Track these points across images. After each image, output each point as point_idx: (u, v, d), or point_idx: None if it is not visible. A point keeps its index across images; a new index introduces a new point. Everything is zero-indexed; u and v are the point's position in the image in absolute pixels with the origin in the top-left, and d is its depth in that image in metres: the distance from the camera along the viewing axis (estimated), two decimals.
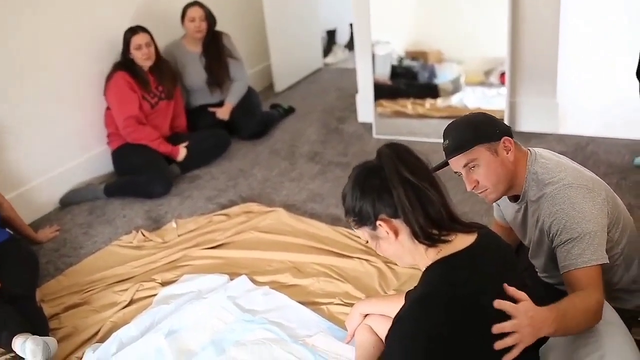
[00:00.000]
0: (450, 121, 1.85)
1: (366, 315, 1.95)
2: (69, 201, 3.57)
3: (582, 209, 1.68)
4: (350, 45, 5.92)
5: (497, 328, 1.32)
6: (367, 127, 4.22)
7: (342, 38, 6.36)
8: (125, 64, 3.71)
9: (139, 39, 3.66)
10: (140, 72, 3.72)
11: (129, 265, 2.85)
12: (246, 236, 2.97)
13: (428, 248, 1.44)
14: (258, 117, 4.34)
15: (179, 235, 3.07)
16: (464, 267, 1.41)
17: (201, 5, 4.08)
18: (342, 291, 2.50)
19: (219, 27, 4.22)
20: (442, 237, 1.43)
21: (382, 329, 1.80)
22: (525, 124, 3.91)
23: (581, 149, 3.55)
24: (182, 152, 3.82)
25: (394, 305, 1.59)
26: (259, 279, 2.65)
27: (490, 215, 2.40)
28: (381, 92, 4.11)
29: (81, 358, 2.26)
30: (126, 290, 2.65)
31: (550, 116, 3.84)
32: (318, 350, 2.15)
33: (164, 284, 2.68)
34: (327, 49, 6.19)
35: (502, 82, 3.82)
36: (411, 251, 1.47)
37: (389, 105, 4.14)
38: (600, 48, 4.50)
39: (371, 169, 1.47)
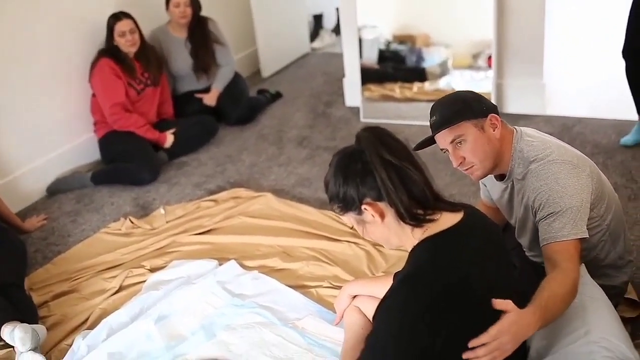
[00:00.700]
0: None
1: (355, 297, 1.96)
2: (56, 189, 3.55)
3: (565, 184, 1.70)
4: (337, 30, 5.90)
5: (473, 343, 1.34)
6: (355, 111, 4.21)
7: (329, 22, 6.33)
8: (109, 50, 3.66)
9: (122, 26, 3.61)
10: (125, 58, 3.68)
11: (118, 252, 2.84)
12: (235, 221, 2.97)
13: (414, 228, 1.45)
14: (245, 103, 4.32)
15: (167, 222, 3.06)
16: (450, 246, 1.41)
17: None
18: (331, 274, 2.51)
19: (204, 13, 4.18)
20: (428, 217, 1.43)
21: (371, 310, 1.80)
22: (513, 105, 3.92)
23: (568, 130, 3.56)
24: (169, 138, 3.80)
25: (383, 286, 1.60)
26: (248, 263, 2.65)
27: (477, 197, 2.41)
28: (369, 76, 4.10)
29: (71, 345, 2.25)
30: (115, 277, 2.64)
31: (537, 97, 3.85)
32: (307, 333, 2.16)
33: (153, 270, 2.67)
34: (314, 34, 6.16)
35: (490, 66, 3.82)
36: (397, 233, 1.47)
37: (376, 89, 4.14)
38: (586, 28, 4.51)
39: (351, 154, 1.47)
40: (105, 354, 2.14)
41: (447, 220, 1.44)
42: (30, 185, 3.49)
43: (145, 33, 3.84)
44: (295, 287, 2.44)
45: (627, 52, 3.10)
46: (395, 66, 4.13)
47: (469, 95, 1.82)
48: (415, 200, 1.42)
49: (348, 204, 1.47)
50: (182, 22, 4.07)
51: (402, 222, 1.44)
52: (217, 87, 4.23)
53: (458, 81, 3.99)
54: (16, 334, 2.14)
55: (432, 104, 1.84)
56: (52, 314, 2.47)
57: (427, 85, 4.07)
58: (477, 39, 3.88)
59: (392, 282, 1.50)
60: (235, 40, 4.82)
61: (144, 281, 2.59)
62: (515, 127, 1.87)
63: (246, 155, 3.79)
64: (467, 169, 1.82)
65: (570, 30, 4.49)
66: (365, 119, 4.08)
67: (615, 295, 1.95)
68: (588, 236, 1.71)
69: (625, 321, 1.94)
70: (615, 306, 1.85)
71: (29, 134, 3.49)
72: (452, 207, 1.47)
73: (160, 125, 3.88)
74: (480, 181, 2.10)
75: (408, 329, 1.35)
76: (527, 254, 2.03)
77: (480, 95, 1.84)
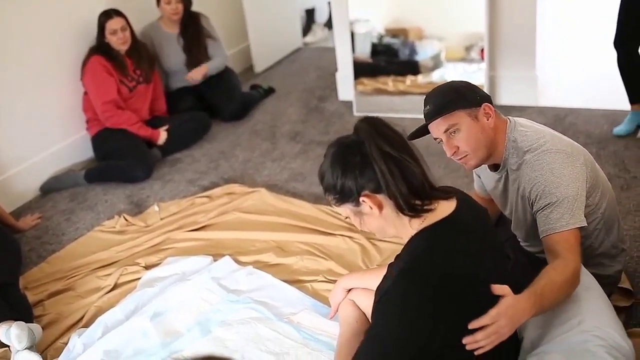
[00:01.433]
0: None
1: (349, 290, 1.96)
2: (49, 188, 3.54)
3: (560, 174, 1.70)
4: (329, 24, 5.89)
5: (473, 324, 1.35)
6: (348, 105, 4.21)
7: (321, 17, 6.31)
8: (100, 47, 3.65)
9: (113, 24, 3.60)
10: (117, 56, 3.67)
11: (112, 250, 2.83)
12: (229, 217, 2.97)
13: (412, 219, 1.45)
14: (238, 99, 4.30)
15: (161, 219, 3.05)
16: (448, 236, 1.42)
17: None
18: (326, 268, 2.51)
19: (195, 8, 4.17)
20: (425, 207, 1.43)
21: (366, 303, 1.81)
22: (505, 97, 3.92)
23: (560, 120, 3.57)
24: (162, 135, 3.78)
25: (377, 279, 1.59)
26: (243, 259, 2.65)
27: (470, 189, 2.41)
28: (361, 70, 4.09)
29: (67, 343, 2.25)
30: (110, 274, 2.64)
31: (529, 89, 3.85)
32: (303, 327, 2.16)
33: (147, 267, 2.67)
34: (306, 28, 6.15)
35: (483, 58, 3.82)
36: (395, 224, 1.47)
37: (369, 83, 4.13)
38: (578, 20, 4.52)
39: (349, 145, 1.45)
40: (101, 352, 2.13)
41: (443, 209, 1.44)
42: (24, 184, 3.48)
43: (136, 29, 3.83)
44: (290, 282, 2.44)
45: (618, 43, 3.12)
46: (388, 60, 4.13)
47: (462, 84, 1.82)
48: (414, 191, 1.42)
49: (345, 196, 1.46)
50: (174, 19, 4.06)
51: (400, 214, 1.44)
52: (207, 66, 4.14)
53: (451, 74, 3.99)
54: (12, 332, 2.14)
55: (424, 97, 1.84)
56: (48, 313, 2.46)
57: (420, 79, 4.06)
58: (469, 31, 3.88)
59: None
60: (228, 36, 4.81)
61: (139, 278, 2.58)
62: (509, 117, 1.87)
63: (239, 151, 3.79)
64: (460, 159, 1.82)
65: (562, 21, 4.50)
66: (358, 113, 4.08)
67: (609, 284, 1.96)
68: (586, 224, 1.72)
69: (618, 310, 1.95)
70: (609, 295, 1.86)
71: (21, 133, 3.47)
72: (447, 194, 1.47)
73: (153, 122, 3.87)
74: (474, 172, 2.11)
75: (407, 322, 1.35)
76: (522, 244, 2.04)
77: (474, 85, 1.84)
